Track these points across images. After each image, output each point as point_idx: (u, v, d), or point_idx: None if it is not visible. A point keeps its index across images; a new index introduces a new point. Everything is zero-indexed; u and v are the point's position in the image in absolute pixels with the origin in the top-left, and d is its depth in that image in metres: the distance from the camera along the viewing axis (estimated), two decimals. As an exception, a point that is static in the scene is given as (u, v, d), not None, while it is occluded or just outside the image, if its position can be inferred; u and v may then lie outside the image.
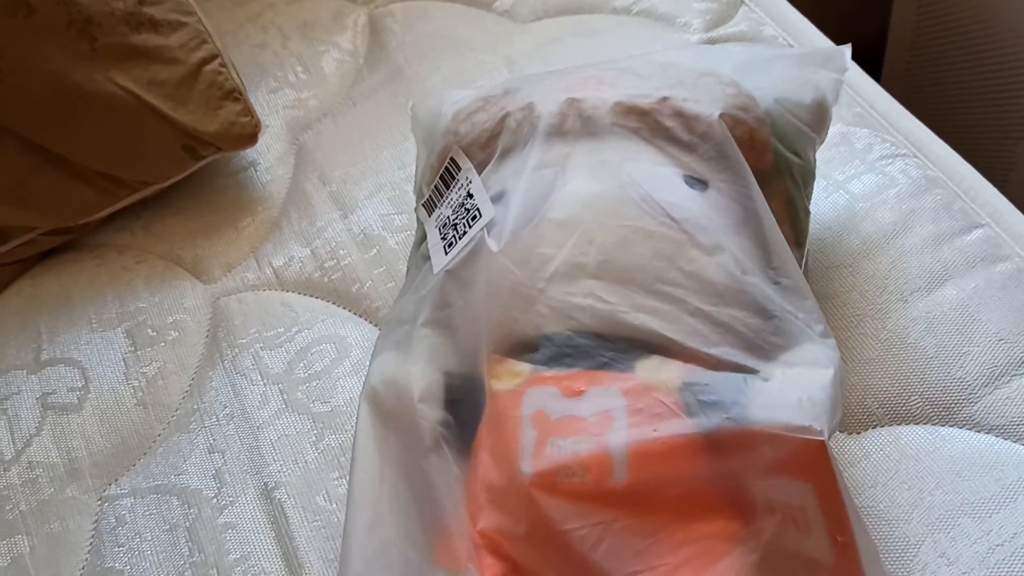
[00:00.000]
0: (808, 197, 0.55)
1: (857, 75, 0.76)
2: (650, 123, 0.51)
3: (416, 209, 0.59)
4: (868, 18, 1.21)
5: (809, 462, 0.43)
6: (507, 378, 0.46)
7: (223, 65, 0.75)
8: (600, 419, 0.43)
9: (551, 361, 0.46)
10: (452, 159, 0.55)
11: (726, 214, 0.49)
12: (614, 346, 0.45)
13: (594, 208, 0.48)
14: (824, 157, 0.69)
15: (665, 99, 0.52)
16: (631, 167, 0.49)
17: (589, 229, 0.48)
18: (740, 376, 0.44)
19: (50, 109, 0.71)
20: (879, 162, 0.68)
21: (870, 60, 0.78)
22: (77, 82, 0.71)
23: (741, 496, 0.43)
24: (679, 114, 0.51)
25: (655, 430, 0.43)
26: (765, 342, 0.46)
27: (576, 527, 0.43)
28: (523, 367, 0.46)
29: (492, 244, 0.49)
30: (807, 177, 0.55)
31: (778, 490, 0.43)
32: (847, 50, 0.59)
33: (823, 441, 0.42)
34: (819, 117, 0.56)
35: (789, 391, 0.44)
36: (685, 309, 0.46)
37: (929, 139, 0.70)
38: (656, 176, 0.49)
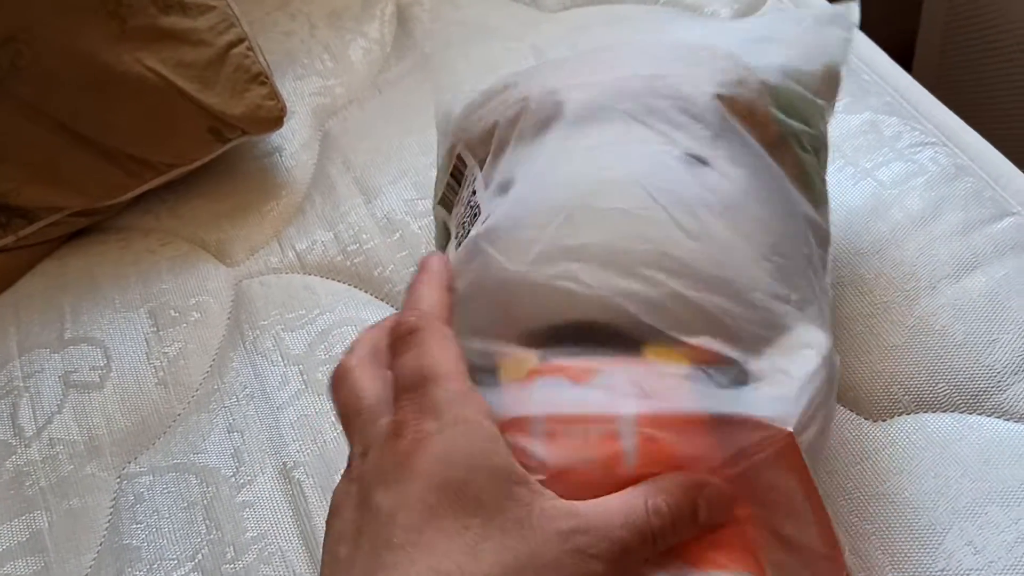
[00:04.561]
0: (822, 166, 0.54)
1: (887, 64, 0.75)
2: (643, 104, 0.50)
3: (433, 208, 0.58)
4: (899, 20, 1.20)
5: (785, 455, 0.41)
6: (513, 368, 0.46)
7: (250, 49, 0.76)
8: (608, 406, 0.43)
9: (553, 345, 0.45)
10: (459, 156, 0.55)
11: (720, 193, 0.47)
12: (614, 331, 0.44)
13: (580, 191, 0.47)
14: (852, 145, 0.68)
15: (658, 78, 0.51)
16: (621, 149, 0.49)
17: (573, 212, 0.47)
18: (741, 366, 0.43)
19: (80, 89, 0.72)
20: (908, 150, 0.67)
21: (900, 63, 0.77)
22: (107, 63, 0.71)
23: (741, 485, 0.42)
24: (673, 93, 0.50)
25: (662, 429, 0.42)
26: (748, 333, 0.44)
27: None
28: (528, 355, 0.45)
29: (483, 237, 0.48)
30: (817, 145, 0.53)
31: (765, 479, 0.42)
32: (855, 6, 0.57)
33: (791, 434, 0.41)
34: (829, 82, 0.55)
35: (773, 382, 0.43)
36: (666, 294, 0.44)
37: (960, 128, 0.69)
38: (646, 156, 0.48)
